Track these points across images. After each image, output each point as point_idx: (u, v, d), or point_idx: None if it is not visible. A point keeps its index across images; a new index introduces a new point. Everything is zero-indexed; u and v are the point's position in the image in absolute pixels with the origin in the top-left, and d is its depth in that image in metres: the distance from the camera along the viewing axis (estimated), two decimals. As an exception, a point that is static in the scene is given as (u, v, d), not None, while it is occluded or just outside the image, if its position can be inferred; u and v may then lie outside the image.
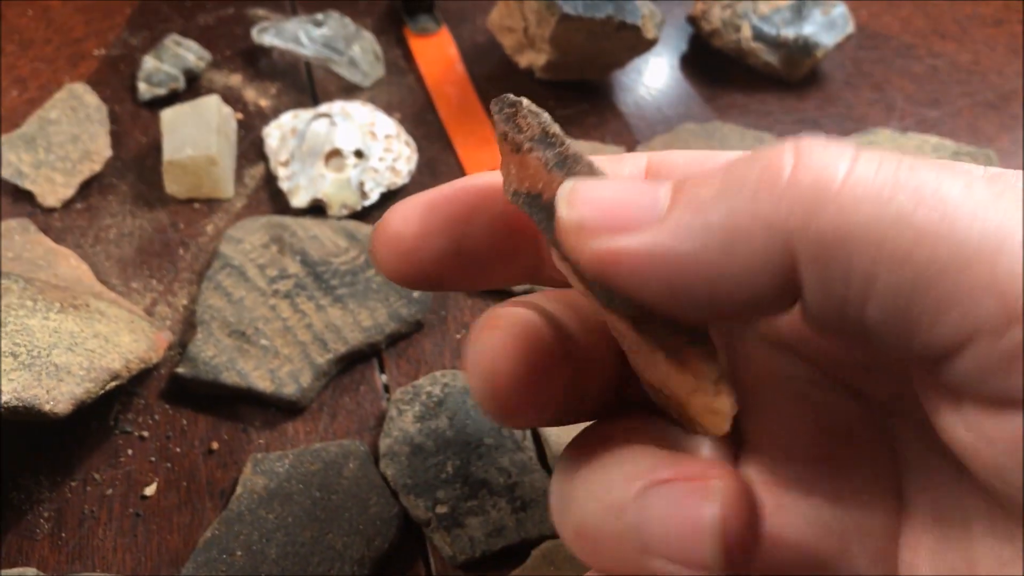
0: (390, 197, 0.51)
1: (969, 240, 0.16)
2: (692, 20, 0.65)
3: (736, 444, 0.25)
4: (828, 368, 0.25)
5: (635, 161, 0.27)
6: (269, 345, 0.43)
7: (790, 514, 0.24)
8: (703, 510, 0.19)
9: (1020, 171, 0.18)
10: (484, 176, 0.27)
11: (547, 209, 0.22)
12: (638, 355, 0.22)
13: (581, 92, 0.60)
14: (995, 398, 0.17)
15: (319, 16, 0.60)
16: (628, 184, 0.20)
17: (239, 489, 0.39)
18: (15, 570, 0.36)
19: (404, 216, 0.26)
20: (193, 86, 0.58)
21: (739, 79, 0.63)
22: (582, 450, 0.23)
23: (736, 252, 0.18)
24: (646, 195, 0.19)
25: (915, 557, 0.23)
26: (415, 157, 0.53)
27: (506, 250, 0.27)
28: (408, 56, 0.62)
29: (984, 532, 0.21)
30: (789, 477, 0.24)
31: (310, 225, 0.48)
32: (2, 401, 0.34)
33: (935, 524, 0.23)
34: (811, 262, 0.17)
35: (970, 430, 0.18)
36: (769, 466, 0.25)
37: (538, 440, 0.41)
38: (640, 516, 0.20)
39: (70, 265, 0.46)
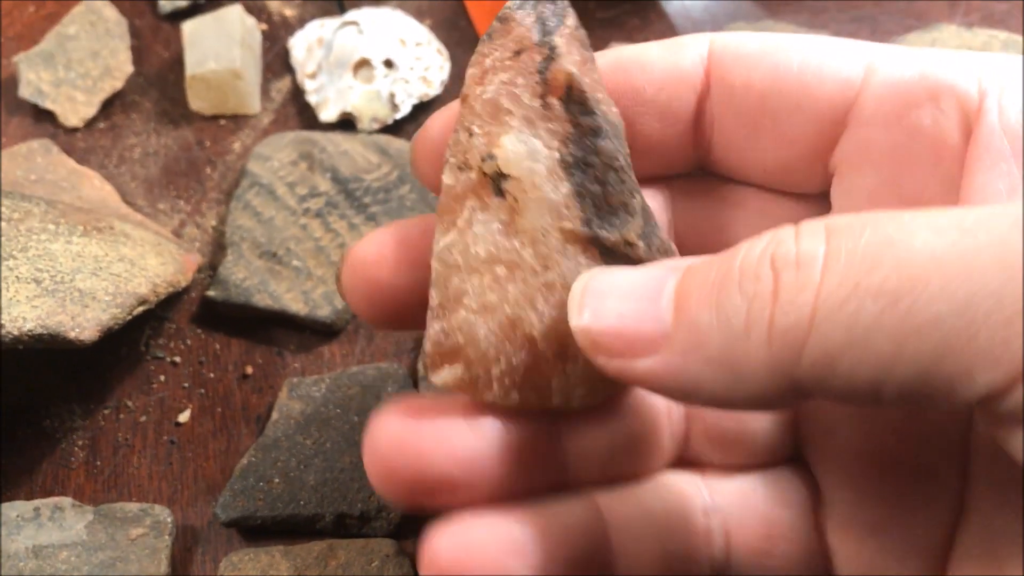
0: (423, 109, 0.49)
1: (949, 314, 0.17)
2: (740, -88, 0.61)
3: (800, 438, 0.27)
4: None
5: (696, 47, 0.25)
6: (302, 266, 0.42)
7: (852, 508, 0.26)
8: None
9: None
10: None
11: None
12: None
13: (622, -7, 0.56)
14: None
15: (344, -82, 0.57)
16: (633, 303, 0.21)
17: (275, 415, 0.38)
18: (51, 499, 0.35)
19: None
20: (215, -3, 0.55)
21: (791, -25, 0.59)
22: None
23: (738, 385, 0.20)
24: (649, 316, 0.21)
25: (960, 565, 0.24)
26: (448, 66, 0.50)
27: None
28: (438, -41, 0.59)
29: None
30: (856, 477, 0.25)
31: (340, 140, 0.46)
32: (26, 329, 0.33)
33: (987, 537, 0.23)
34: (813, 385, 0.19)
35: None
36: (838, 464, 0.26)
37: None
38: None
39: (94, 186, 0.45)
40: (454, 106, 0.25)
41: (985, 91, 0.22)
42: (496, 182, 0.23)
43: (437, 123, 0.26)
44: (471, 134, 0.23)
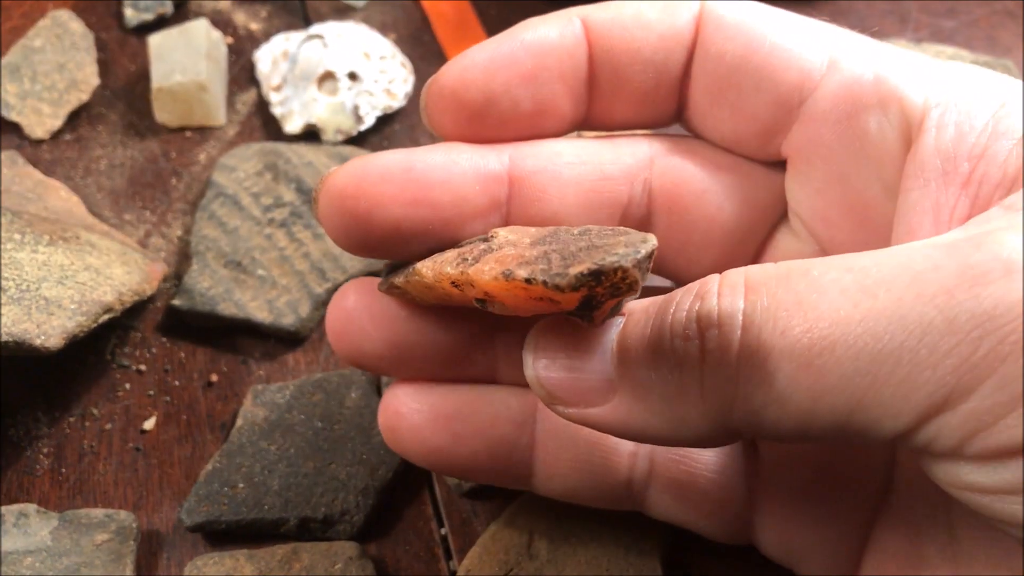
0: (386, 121, 0.50)
1: (855, 374, 0.19)
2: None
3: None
4: None
5: (690, 6, 0.27)
6: (266, 275, 0.42)
7: (784, 470, 0.28)
8: None
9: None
10: (540, 30, 0.27)
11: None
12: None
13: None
14: (969, 455, 0.19)
15: (309, -66, 0.58)
16: (581, 357, 0.23)
17: (240, 421, 0.38)
18: (16, 506, 0.35)
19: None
20: (181, 10, 0.56)
21: (747, -9, 0.60)
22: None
23: (682, 431, 0.22)
24: (596, 369, 0.23)
25: (879, 561, 0.26)
26: (412, 79, 0.51)
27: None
28: (403, -26, 0.60)
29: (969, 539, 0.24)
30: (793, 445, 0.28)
31: (304, 151, 0.46)
32: (-8, 336, 0.34)
33: (909, 523, 0.25)
34: (747, 431, 0.21)
35: (948, 478, 0.20)
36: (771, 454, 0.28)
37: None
38: None
39: (60, 197, 0.45)
40: (469, 55, 0.26)
41: (929, 106, 0.23)
42: (482, 302, 0.24)
43: (455, 70, 0.27)
44: (472, 285, 0.23)
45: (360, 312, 0.28)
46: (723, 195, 0.28)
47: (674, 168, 0.28)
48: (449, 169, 0.26)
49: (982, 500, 0.19)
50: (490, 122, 0.27)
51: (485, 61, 0.26)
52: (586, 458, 0.28)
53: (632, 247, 0.21)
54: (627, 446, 0.28)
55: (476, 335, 0.28)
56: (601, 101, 0.28)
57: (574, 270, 0.20)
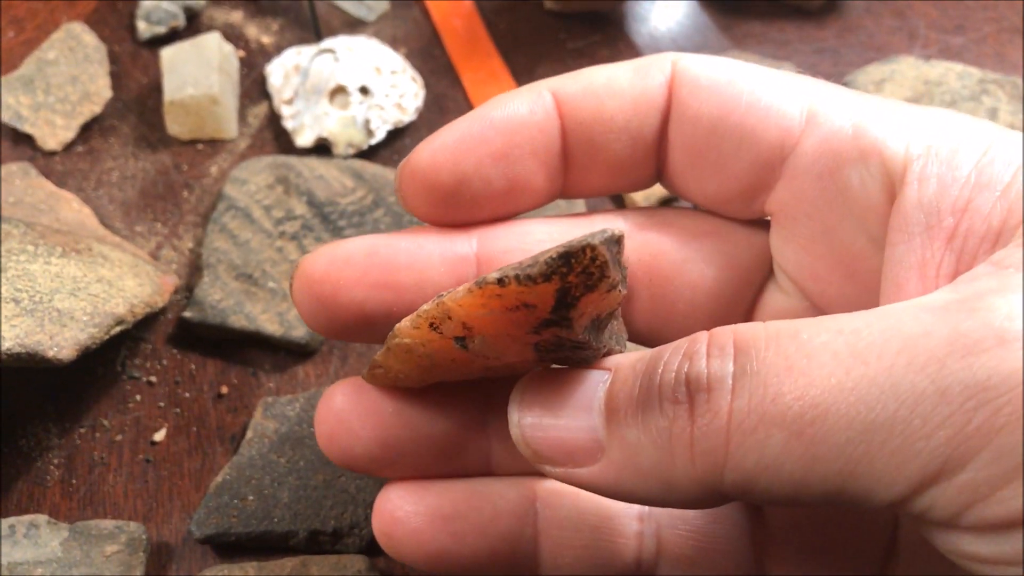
0: (397, 135, 0.50)
1: (848, 443, 0.19)
2: (707, -54, 0.62)
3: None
4: None
5: (661, 68, 0.26)
6: (277, 288, 0.42)
7: (792, 534, 0.28)
8: None
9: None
10: (510, 107, 0.26)
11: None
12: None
13: (593, 23, 0.58)
14: (963, 525, 0.19)
15: (321, -51, 0.58)
16: (567, 415, 0.23)
17: (249, 433, 0.39)
18: (27, 517, 0.35)
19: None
20: (193, 24, 0.56)
21: (757, 7, 0.61)
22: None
23: (671, 494, 0.21)
24: (584, 427, 0.22)
25: None
26: (422, 93, 0.51)
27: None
28: (414, -11, 0.60)
29: None
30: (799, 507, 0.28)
31: (316, 165, 0.47)
32: (4, 348, 0.34)
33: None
34: (737, 496, 0.21)
35: (946, 546, 0.20)
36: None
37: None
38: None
39: (72, 209, 0.45)
40: (439, 136, 0.26)
41: (911, 158, 0.22)
42: (461, 341, 0.23)
43: (425, 153, 0.26)
44: (450, 318, 0.23)
45: (348, 412, 0.27)
46: (704, 261, 0.27)
47: (650, 242, 0.28)
48: (413, 252, 0.26)
49: (981, 569, 0.19)
50: (463, 202, 0.27)
51: (455, 142, 0.26)
52: (592, 544, 0.28)
53: (599, 232, 0.21)
54: (632, 527, 0.28)
55: (468, 423, 0.28)
56: (577, 172, 0.27)
57: (543, 258, 0.20)
